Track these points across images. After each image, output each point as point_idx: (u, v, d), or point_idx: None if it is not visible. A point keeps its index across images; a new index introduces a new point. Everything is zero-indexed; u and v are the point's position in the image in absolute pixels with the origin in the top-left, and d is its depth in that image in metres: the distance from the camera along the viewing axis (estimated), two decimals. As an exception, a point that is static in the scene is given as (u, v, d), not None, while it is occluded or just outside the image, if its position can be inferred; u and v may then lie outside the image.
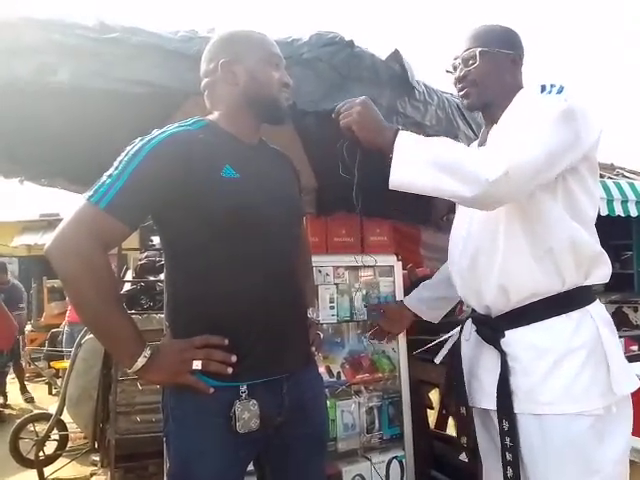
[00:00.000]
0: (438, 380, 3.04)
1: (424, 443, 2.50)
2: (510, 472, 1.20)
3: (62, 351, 5.24)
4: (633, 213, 4.11)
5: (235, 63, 1.20)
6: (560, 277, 1.20)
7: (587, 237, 1.20)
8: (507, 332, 1.24)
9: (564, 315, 1.20)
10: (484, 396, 1.28)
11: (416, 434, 2.40)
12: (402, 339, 2.45)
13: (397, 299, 2.47)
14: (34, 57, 1.46)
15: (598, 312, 1.23)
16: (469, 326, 1.36)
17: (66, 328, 6.05)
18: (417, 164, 1.14)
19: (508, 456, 1.20)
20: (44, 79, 1.47)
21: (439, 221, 3.37)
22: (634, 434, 1.60)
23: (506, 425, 1.20)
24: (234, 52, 1.21)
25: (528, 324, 1.22)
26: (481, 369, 1.30)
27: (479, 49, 1.29)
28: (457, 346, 1.41)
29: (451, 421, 3.01)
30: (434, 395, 3.14)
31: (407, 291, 2.63)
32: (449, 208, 3.14)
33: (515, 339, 1.23)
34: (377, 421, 2.33)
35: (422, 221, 3.28)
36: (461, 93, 1.35)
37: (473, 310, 1.36)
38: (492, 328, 1.27)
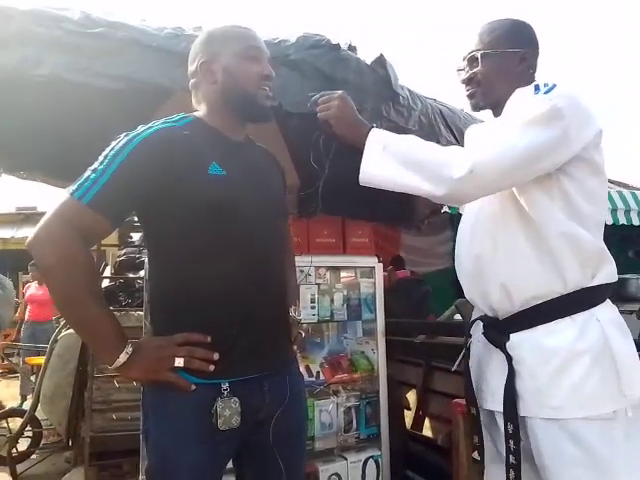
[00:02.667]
0: (415, 381, 3.09)
1: (400, 443, 2.53)
2: (512, 475, 1.19)
3: (38, 347, 5.14)
4: (608, 221, 4.22)
5: (213, 62, 1.20)
6: (562, 278, 1.18)
7: (586, 234, 1.18)
8: (512, 335, 1.23)
9: (568, 318, 1.18)
10: (491, 398, 1.28)
11: (392, 434, 2.43)
12: (381, 340, 2.47)
13: (377, 300, 2.50)
14: (17, 49, 1.45)
15: (605, 314, 1.20)
16: (479, 328, 1.35)
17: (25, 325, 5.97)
18: (386, 160, 1.17)
19: (512, 459, 1.19)
20: (27, 71, 1.46)
21: (420, 224, 3.41)
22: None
23: (510, 428, 1.19)
24: (211, 51, 1.21)
25: (532, 327, 1.21)
26: (489, 371, 1.30)
27: (481, 52, 1.29)
28: (467, 349, 1.40)
29: (427, 422, 3.06)
30: (411, 396, 3.18)
31: (386, 292, 2.66)
32: (431, 212, 3.17)
33: (520, 342, 1.22)
34: (354, 421, 2.36)
35: (403, 224, 3.31)
36: (466, 93, 1.35)
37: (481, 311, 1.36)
38: (499, 330, 1.27)
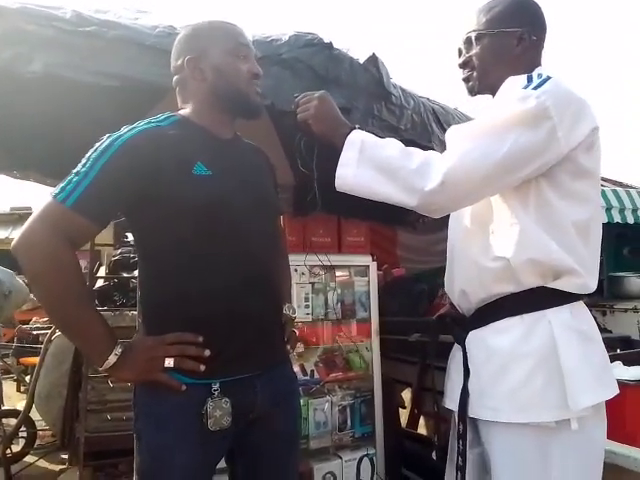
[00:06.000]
0: (411, 379, 3.10)
1: (395, 441, 2.54)
2: (459, 477, 1.15)
3: (32, 347, 5.12)
4: (603, 220, 4.22)
5: (201, 59, 1.19)
6: (515, 281, 1.11)
7: (556, 253, 1.08)
8: (470, 332, 1.19)
9: (517, 317, 1.11)
10: (450, 396, 1.24)
11: (387, 432, 2.44)
12: (375, 338, 2.48)
13: (371, 299, 2.51)
14: (8, 47, 1.44)
15: (560, 317, 1.09)
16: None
17: None
18: (361, 167, 1.11)
19: (459, 460, 1.15)
20: (18, 69, 1.45)
21: (415, 223, 3.41)
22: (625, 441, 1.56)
23: (461, 428, 1.15)
24: (199, 47, 1.20)
25: (486, 325, 1.16)
26: (453, 369, 1.26)
27: (475, 33, 1.21)
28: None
29: (422, 420, 3.07)
30: (406, 394, 3.19)
31: (381, 290, 2.67)
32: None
33: (473, 339, 1.18)
34: (349, 419, 2.36)
35: (399, 222, 3.32)
36: (462, 77, 1.27)
37: (454, 308, 1.32)
38: (462, 327, 1.23)
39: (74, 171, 1.05)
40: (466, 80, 1.26)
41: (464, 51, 1.26)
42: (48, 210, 1.03)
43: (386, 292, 3.17)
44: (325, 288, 2.41)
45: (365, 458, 2.32)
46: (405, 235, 4.08)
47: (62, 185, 1.04)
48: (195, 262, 1.12)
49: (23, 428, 3.39)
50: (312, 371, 2.35)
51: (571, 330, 1.10)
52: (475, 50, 1.22)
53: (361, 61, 1.75)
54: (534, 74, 1.13)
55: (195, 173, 1.12)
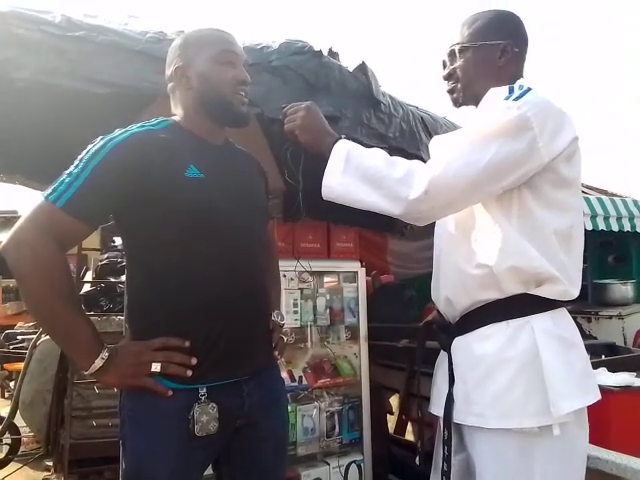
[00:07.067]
0: (398, 386, 3.10)
1: (383, 448, 2.54)
2: None
3: (17, 353, 5.04)
4: (587, 227, 4.29)
5: (188, 67, 1.21)
6: (498, 289, 1.13)
7: (537, 261, 1.10)
8: (455, 339, 1.20)
9: (503, 323, 1.12)
10: (437, 402, 1.25)
11: (375, 439, 2.43)
12: (364, 344, 2.48)
13: (360, 305, 2.51)
14: (-4, 50, 1.43)
15: (542, 324, 1.11)
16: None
17: None
18: (346, 175, 1.13)
19: (444, 466, 1.16)
20: (6, 74, 1.44)
21: (403, 229, 3.43)
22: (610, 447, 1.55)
23: (446, 434, 1.16)
24: (187, 56, 1.21)
25: (471, 331, 1.17)
26: (439, 375, 1.27)
27: (458, 46, 1.24)
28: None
29: (410, 426, 3.07)
30: (394, 400, 3.19)
31: (370, 297, 2.67)
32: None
33: (458, 346, 1.19)
34: (337, 425, 2.36)
35: (387, 229, 3.33)
36: (446, 89, 1.29)
37: (440, 315, 1.34)
38: (448, 334, 1.24)
39: (66, 172, 1.06)
40: (450, 92, 1.29)
41: (448, 63, 1.28)
42: (39, 211, 1.03)
43: (374, 298, 3.18)
44: (314, 294, 2.41)
45: (353, 464, 2.32)
46: (394, 242, 4.10)
47: (54, 186, 1.04)
48: (183, 265, 1.12)
49: (7, 434, 3.35)
50: (300, 377, 2.34)
51: (553, 337, 1.12)
52: (459, 63, 1.25)
53: (350, 69, 1.77)
54: (515, 85, 1.15)
55: (187, 175, 1.12)
